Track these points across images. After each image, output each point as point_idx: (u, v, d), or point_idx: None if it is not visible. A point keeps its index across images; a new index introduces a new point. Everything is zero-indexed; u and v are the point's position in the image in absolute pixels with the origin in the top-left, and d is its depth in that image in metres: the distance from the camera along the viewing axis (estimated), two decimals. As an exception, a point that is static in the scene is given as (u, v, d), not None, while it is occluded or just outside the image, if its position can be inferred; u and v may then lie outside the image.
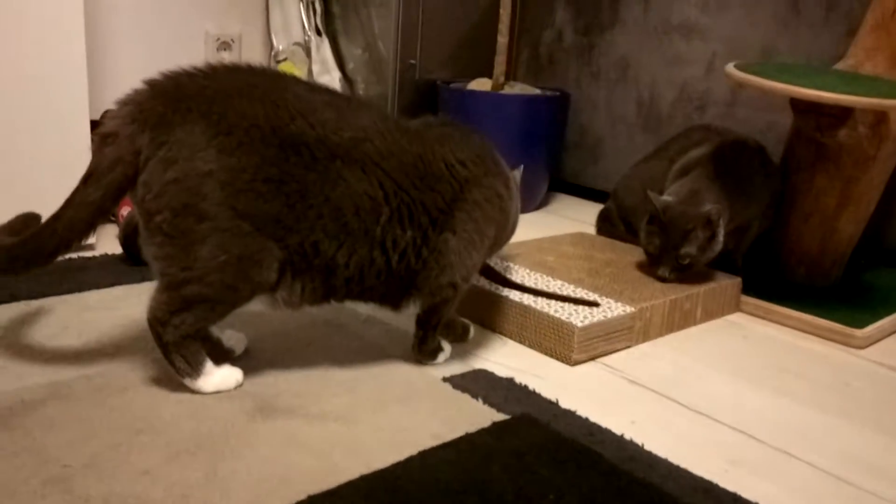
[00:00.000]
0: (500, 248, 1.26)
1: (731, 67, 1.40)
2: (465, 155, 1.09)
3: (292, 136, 0.96)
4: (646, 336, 1.33)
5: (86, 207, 0.93)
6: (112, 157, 0.92)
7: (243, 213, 0.94)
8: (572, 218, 2.13)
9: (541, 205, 2.24)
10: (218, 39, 2.23)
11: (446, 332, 1.21)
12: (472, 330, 1.26)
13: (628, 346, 1.30)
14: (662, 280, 1.42)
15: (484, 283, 1.35)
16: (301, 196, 0.96)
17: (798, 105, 1.41)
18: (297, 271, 1.00)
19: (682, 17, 2.03)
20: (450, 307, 1.14)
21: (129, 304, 1.27)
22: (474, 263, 1.11)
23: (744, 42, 1.92)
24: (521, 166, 1.29)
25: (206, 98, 0.94)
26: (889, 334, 1.46)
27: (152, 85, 0.96)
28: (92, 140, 0.97)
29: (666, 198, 1.43)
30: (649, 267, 1.46)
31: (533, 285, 1.35)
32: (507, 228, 1.20)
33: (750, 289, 1.53)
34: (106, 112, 1.91)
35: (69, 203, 0.94)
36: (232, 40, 2.26)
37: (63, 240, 0.94)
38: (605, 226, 1.81)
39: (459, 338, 1.24)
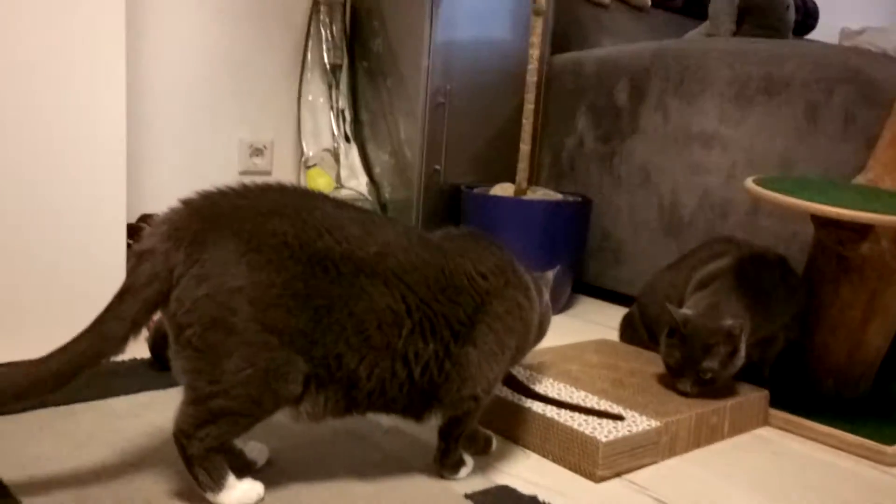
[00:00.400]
0: (524, 357, 1.26)
1: (750, 182, 1.43)
2: (486, 267, 1.11)
3: (319, 253, 0.98)
4: (672, 451, 1.31)
5: (122, 322, 0.96)
6: (148, 273, 0.95)
7: (271, 327, 0.96)
8: (596, 322, 2.13)
9: (564, 307, 2.25)
10: (251, 146, 2.32)
11: (468, 444, 1.20)
12: (495, 442, 1.25)
13: (654, 462, 1.28)
14: (684, 395, 1.40)
15: (507, 393, 1.35)
16: (327, 310, 0.98)
17: (819, 219, 1.42)
18: (320, 384, 1.01)
19: (700, 126, 2.08)
20: (472, 419, 1.14)
21: (156, 411, 1.28)
22: (496, 376, 1.12)
23: (763, 152, 1.96)
24: (557, 267, 1.31)
25: (239, 216, 0.98)
26: (922, 451, 1.42)
27: (188, 204, 1.00)
28: (128, 257, 1.00)
29: (685, 311, 1.43)
30: (671, 380, 1.45)
31: (556, 396, 1.34)
32: (528, 338, 1.20)
33: (778, 401, 1.51)
34: (142, 216, 1.97)
35: (105, 317, 0.96)
36: (264, 147, 2.34)
37: (98, 353, 0.96)
38: (628, 332, 1.81)
39: (482, 450, 1.23)
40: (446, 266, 1.08)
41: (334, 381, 1.01)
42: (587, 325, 2.10)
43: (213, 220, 0.97)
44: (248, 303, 0.95)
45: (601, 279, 2.37)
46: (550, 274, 1.28)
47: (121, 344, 0.97)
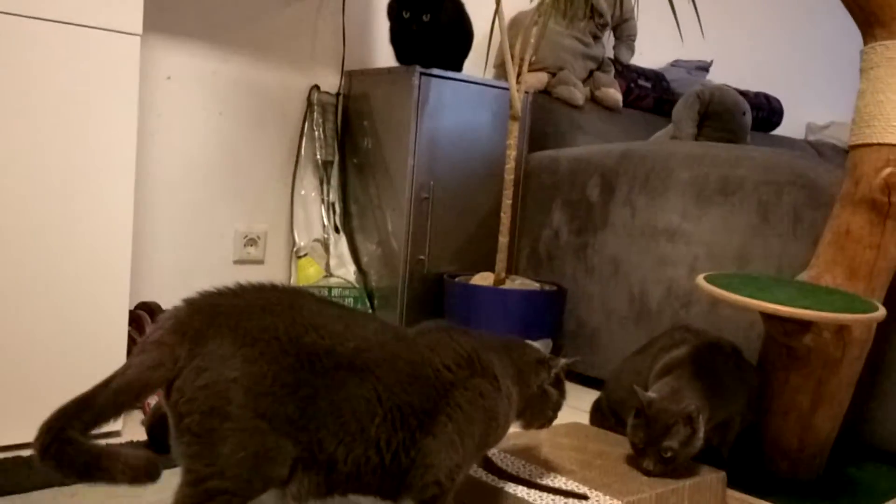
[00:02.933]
0: (498, 440, 1.35)
1: (700, 279, 1.57)
2: (451, 359, 1.22)
3: (306, 347, 1.10)
4: (633, 529, 1.40)
5: (130, 384, 1.04)
6: (156, 359, 1.05)
7: (262, 413, 1.07)
8: (571, 406, 2.20)
9: (541, 392, 2.35)
10: (245, 236, 2.46)
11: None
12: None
13: (616, 540, 1.37)
14: (647, 473, 1.51)
15: (481, 474, 1.45)
16: (311, 399, 1.10)
17: (765, 313, 1.56)
18: (305, 467, 1.11)
19: (665, 222, 2.24)
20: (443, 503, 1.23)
21: (153, 491, 1.36)
22: (457, 463, 1.20)
23: (722, 247, 2.11)
24: (549, 340, 1.43)
25: (235, 314, 1.10)
26: (870, 530, 1.52)
27: (190, 303, 1.11)
28: (137, 344, 1.11)
29: (650, 394, 1.55)
30: (636, 459, 1.55)
31: (527, 477, 1.45)
32: (495, 424, 1.28)
33: (736, 483, 1.61)
34: (140, 303, 2.09)
35: (117, 375, 1.05)
36: (258, 237, 2.48)
37: (110, 404, 1.04)
38: (597, 417, 1.91)
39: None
40: (414, 359, 1.19)
41: (317, 464, 1.11)
42: (563, 408, 2.20)
43: (212, 317, 1.09)
44: (242, 392, 1.06)
45: (577, 364, 2.47)
46: (541, 344, 1.40)
47: (127, 403, 1.05)
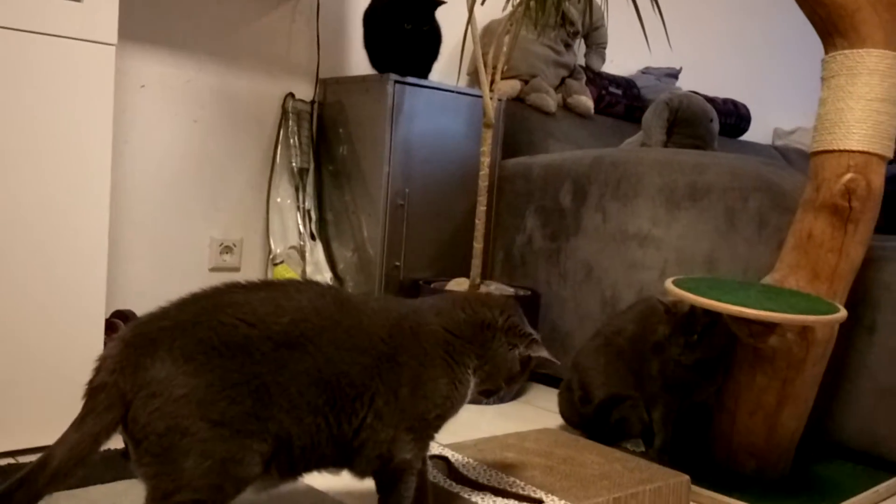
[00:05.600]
0: (446, 408, 1.28)
1: (669, 283, 1.61)
2: (387, 330, 1.22)
3: (240, 342, 1.11)
4: (593, 532, 1.42)
5: (87, 439, 1.05)
6: (105, 403, 1.07)
7: (219, 421, 1.08)
8: (545, 409, 2.27)
9: (517, 395, 2.39)
10: (221, 244, 2.47)
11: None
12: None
13: (576, 542, 1.40)
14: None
15: (440, 479, 1.47)
16: (264, 388, 1.11)
17: (731, 315, 1.60)
18: (273, 455, 1.13)
19: (636, 227, 2.29)
20: (399, 482, 1.24)
21: (131, 499, 1.39)
22: (392, 437, 1.21)
23: (690, 252, 2.16)
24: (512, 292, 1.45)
25: (167, 336, 1.10)
26: (833, 526, 1.57)
27: (121, 339, 1.12)
28: (85, 392, 1.10)
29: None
30: (601, 464, 1.59)
31: (486, 482, 1.47)
32: (443, 381, 1.26)
33: (703, 480, 1.65)
34: (115, 312, 2.09)
35: (70, 434, 1.06)
36: (234, 244, 2.49)
37: (64, 467, 1.05)
38: (565, 395, 1.99)
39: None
40: (355, 324, 1.20)
41: (281, 449, 1.13)
42: (536, 410, 2.24)
43: (144, 345, 1.09)
44: (194, 405, 1.07)
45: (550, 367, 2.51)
46: (534, 335, 1.35)
47: (83, 459, 1.06)
